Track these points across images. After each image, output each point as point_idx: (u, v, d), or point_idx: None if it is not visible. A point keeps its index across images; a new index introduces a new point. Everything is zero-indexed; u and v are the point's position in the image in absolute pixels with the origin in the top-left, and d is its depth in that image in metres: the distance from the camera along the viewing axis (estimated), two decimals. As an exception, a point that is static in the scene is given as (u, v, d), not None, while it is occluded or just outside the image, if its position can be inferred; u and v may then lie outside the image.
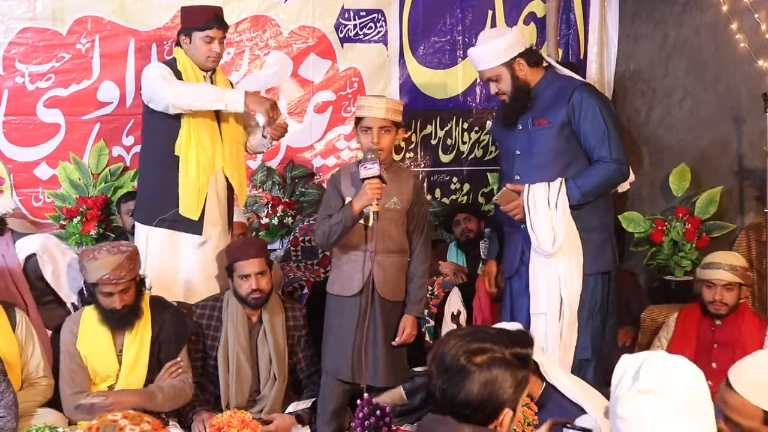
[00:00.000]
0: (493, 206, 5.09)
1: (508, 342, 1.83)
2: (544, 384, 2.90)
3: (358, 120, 3.41)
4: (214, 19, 3.80)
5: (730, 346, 3.55)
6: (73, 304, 3.65)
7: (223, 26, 3.84)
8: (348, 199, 3.36)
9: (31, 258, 3.57)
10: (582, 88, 3.46)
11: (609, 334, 3.59)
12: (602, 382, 3.21)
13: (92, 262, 3.27)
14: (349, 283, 3.41)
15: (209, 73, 3.87)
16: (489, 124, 5.07)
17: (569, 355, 3.43)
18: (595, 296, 3.48)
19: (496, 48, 3.45)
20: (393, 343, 3.45)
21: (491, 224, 3.92)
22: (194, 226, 3.80)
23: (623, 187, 3.77)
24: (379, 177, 3.23)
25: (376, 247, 3.32)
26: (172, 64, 3.83)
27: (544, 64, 3.56)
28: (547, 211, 3.35)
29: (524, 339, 1.87)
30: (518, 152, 3.52)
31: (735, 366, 2.04)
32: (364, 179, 3.24)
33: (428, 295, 4.57)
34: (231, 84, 4.05)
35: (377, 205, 3.24)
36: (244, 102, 3.71)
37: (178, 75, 3.78)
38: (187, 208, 3.78)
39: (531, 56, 3.49)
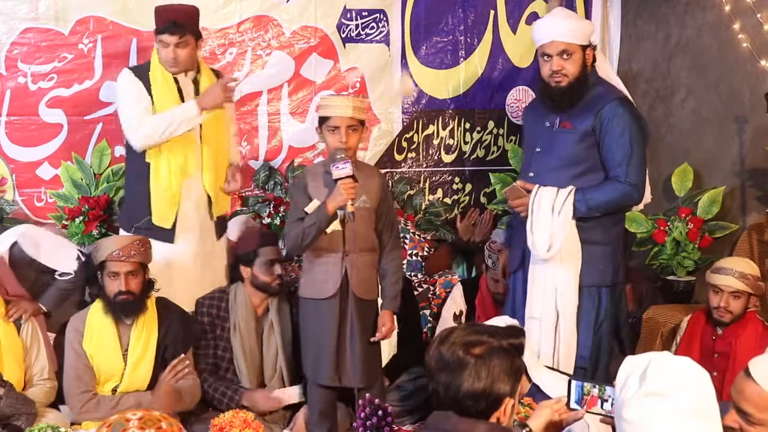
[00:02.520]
0: (494, 206, 5.12)
1: (503, 333, 1.93)
2: (530, 384, 2.93)
3: (322, 120, 3.36)
4: (166, 23, 3.73)
5: (729, 356, 3.46)
6: (76, 271, 3.62)
7: (177, 31, 3.74)
8: (317, 201, 3.32)
9: (14, 246, 3.57)
10: (618, 103, 3.42)
11: (625, 344, 3.58)
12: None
13: (105, 242, 3.43)
14: (323, 285, 3.38)
15: (190, 73, 3.83)
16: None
17: (570, 364, 3.42)
18: (597, 309, 3.45)
19: (582, 27, 3.45)
20: (372, 339, 3.44)
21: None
22: (166, 235, 3.82)
23: (637, 206, 3.75)
24: (353, 176, 3.21)
25: (352, 248, 3.31)
26: (144, 70, 3.84)
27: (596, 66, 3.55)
28: (549, 217, 3.34)
29: (516, 331, 1.97)
30: (538, 149, 3.50)
31: (758, 357, 2.05)
32: (337, 179, 3.22)
33: (430, 295, 4.57)
34: (217, 75, 3.98)
35: (352, 205, 3.22)
36: (198, 109, 3.70)
37: (147, 82, 3.79)
38: (159, 217, 3.81)
39: (593, 53, 3.50)
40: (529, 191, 3.40)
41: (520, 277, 3.59)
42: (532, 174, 3.48)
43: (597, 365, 3.50)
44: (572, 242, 3.37)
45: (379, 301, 3.52)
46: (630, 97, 3.65)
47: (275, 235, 3.76)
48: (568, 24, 3.42)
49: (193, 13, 3.87)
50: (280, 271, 3.66)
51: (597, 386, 2.18)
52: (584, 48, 3.42)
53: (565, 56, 3.39)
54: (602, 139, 3.38)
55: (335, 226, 3.30)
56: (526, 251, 3.51)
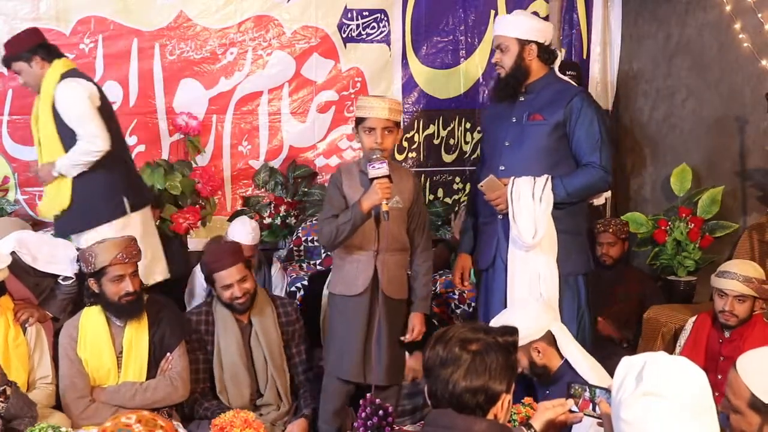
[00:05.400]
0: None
1: (497, 331, 1.98)
2: (563, 360, 2.93)
3: (359, 120, 3.40)
4: None
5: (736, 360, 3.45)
6: (76, 274, 3.58)
7: (4, 64, 3.93)
8: (352, 199, 3.36)
9: (12, 253, 3.52)
10: (583, 95, 3.54)
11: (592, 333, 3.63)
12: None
13: (100, 246, 3.28)
14: (353, 282, 3.41)
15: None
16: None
17: None
18: (580, 297, 3.50)
19: (521, 22, 3.52)
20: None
21: (468, 214, 3.92)
22: None
23: (599, 200, 3.81)
24: (388, 176, 3.24)
25: (384, 247, 3.33)
26: None
27: (555, 66, 3.59)
28: (530, 204, 3.39)
29: (509, 329, 2.02)
30: (507, 144, 3.55)
31: (748, 351, 2.13)
32: (373, 179, 3.24)
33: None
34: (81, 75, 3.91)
35: (387, 204, 3.24)
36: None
37: None
38: None
39: (544, 51, 3.53)
40: (504, 185, 3.45)
41: (491, 276, 3.61)
42: (502, 168, 3.53)
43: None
44: (550, 230, 3.42)
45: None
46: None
47: (230, 256, 3.53)
48: (508, 18, 3.60)
49: (7, 44, 3.90)
50: (238, 293, 3.48)
51: (588, 389, 2.20)
52: (524, 42, 3.48)
53: (502, 49, 3.53)
54: (573, 128, 3.47)
55: (368, 223, 3.32)
56: (499, 249, 3.54)
